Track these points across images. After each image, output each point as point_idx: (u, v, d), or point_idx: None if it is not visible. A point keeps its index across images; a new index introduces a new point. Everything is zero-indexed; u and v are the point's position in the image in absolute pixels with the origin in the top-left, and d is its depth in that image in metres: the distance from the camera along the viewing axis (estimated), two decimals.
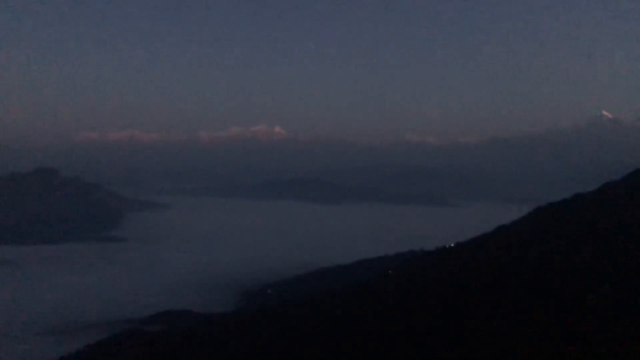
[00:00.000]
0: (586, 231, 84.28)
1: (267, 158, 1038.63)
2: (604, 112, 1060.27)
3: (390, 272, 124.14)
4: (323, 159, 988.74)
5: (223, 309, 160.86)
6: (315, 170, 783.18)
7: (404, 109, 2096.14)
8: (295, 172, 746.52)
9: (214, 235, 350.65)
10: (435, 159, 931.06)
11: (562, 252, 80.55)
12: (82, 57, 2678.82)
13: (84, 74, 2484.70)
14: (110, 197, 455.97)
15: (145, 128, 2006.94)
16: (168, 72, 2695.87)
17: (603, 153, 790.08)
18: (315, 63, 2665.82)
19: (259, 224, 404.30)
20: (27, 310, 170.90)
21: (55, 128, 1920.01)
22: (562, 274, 72.76)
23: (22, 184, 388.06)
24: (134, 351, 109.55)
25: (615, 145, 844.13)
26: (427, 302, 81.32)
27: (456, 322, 68.53)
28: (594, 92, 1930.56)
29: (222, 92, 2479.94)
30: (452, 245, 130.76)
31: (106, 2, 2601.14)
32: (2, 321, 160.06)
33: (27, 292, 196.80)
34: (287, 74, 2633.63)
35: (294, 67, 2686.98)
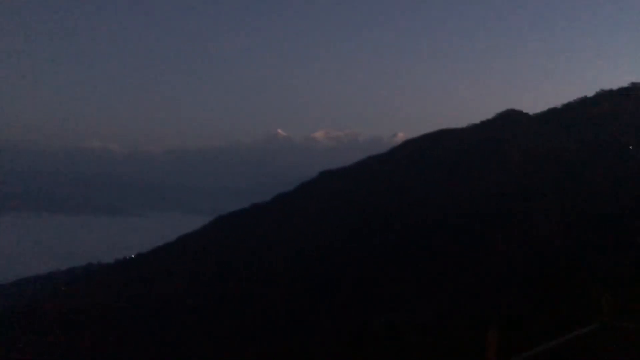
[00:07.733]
0: (264, 236, 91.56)
1: None
2: (279, 130, 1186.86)
3: (63, 288, 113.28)
4: None
5: None
6: None
7: (83, 114, 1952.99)
8: None
9: None
10: (117, 167, 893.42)
11: (244, 257, 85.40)
12: None
13: None
14: None
15: None
16: None
17: (276, 167, 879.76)
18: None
19: None
20: None
21: None
22: (247, 278, 76.93)
23: None
24: None
25: (287, 161, 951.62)
26: (104, 316, 76.10)
27: (144, 332, 66.00)
28: (271, 111, 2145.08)
29: None
30: (133, 256, 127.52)
31: None
32: None
33: None
34: None
35: None
